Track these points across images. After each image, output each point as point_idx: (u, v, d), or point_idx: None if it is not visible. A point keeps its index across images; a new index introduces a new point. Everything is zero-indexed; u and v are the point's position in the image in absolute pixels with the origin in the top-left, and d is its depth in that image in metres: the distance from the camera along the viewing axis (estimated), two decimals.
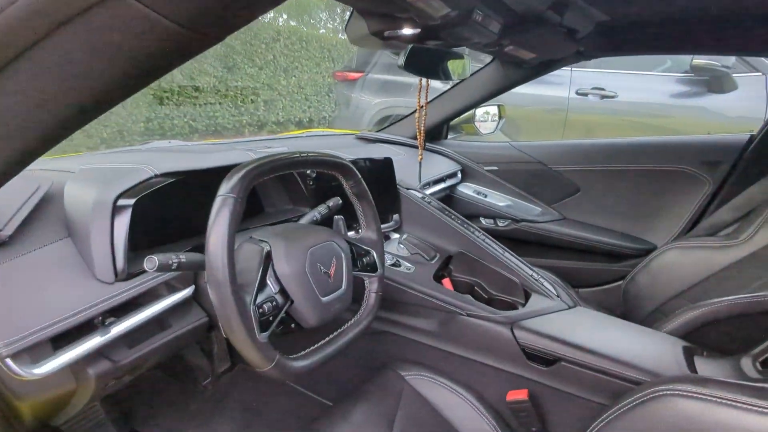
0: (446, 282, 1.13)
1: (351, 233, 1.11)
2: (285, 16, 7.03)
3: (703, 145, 1.48)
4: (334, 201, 0.91)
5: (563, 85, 3.21)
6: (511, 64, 1.49)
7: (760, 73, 2.67)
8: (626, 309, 1.48)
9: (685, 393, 0.60)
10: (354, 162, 1.12)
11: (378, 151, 1.65)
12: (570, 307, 1.05)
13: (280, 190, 1.09)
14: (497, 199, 1.81)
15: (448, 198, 1.81)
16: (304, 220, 0.88)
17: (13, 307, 0.62)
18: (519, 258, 1.18)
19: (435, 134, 1.86)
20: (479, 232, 1.21)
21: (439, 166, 1.74)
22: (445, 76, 1.24)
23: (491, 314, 1.00)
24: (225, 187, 0.61)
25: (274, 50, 6.33)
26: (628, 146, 1.63)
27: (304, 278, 0.71)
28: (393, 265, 1.12)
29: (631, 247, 1.57)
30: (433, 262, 1.15)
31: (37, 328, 0.61)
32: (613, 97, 3.05)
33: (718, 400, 0.57)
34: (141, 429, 1.15)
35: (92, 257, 0.69)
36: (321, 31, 7.94)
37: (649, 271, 1.39)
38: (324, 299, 0.74)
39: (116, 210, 0.69)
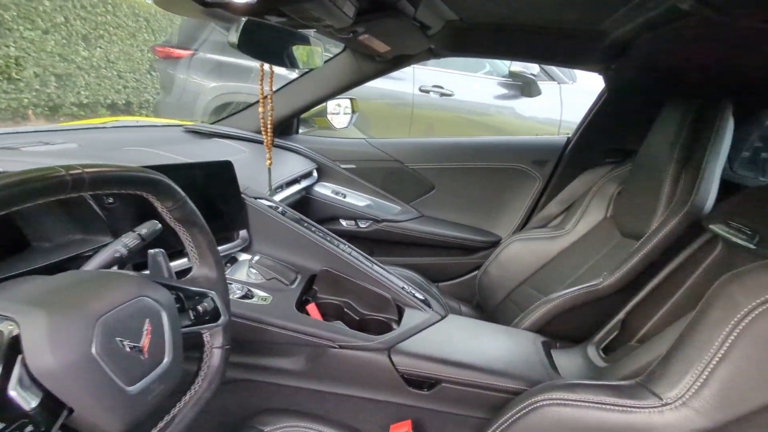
0: (312, 308, 0.95)
1: (179, 263, 0.84)
2: None
3: (532, 145, 1.65)
4: (149, 226, 0.64)
5: (407, 81, 3.33)
6: (365, 57, 1.37)
7: (555, 82, 3.24)
8: (481, 298, 1.57)
9: (559, 401, 0.65)
10: (173, 169, 0.84)
11: (214, 149, 1.35)
12: (443, 317, 1.01)
13: (57, 211, 0.73)
14: (357, 199, 1.71)
15: (305, 200, 1.62)
16: (93, 263, 0.58)
17: None
18: (387, 269, 1.08)
19: (285, 128, 1.64)
20: (344, 244, 1.07)
21: (291, 164, 1.53)
22: (290, 62, 1.04)
23: (366, 342, 0.87)
24: None
25: (65, 11, 4.90)
26: (474, 145, 1.72)
27: (91, 370, 0.44)
28: (243, 297, 0.88)
29: (481, 240, 1.67)
30: (294, 286, 0.95)
31: None
32: (450, 95, 3.30)
33: (587, 404, 0.63)
34: None
35: None
36: None
37: (498, 262, 1.49)
38: (133, 388, 0.48)
39: None
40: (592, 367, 0.90)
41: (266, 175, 1.26)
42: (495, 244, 1.61)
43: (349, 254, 1.04)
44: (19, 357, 0.41)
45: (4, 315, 0.42)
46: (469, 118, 3.40)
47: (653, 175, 1.06)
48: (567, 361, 0.92)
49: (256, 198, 1.02)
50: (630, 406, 0.60)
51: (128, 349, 0.48)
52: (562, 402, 0.64)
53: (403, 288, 1.05)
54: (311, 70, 1.48)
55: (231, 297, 0.87)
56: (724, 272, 0.61)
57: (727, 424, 0.54)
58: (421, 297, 1.07)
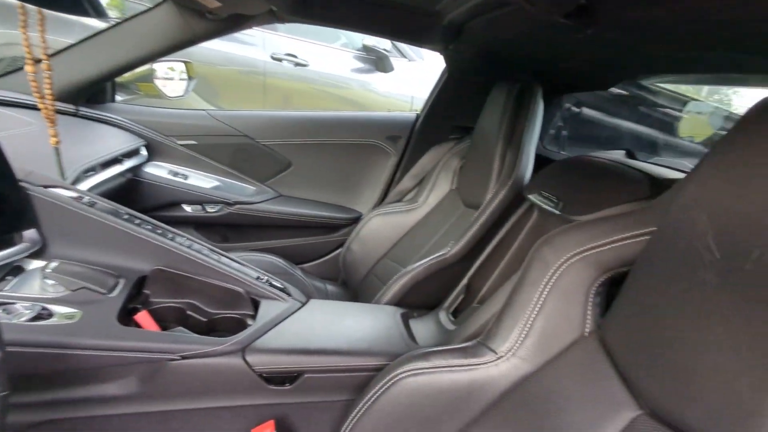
0: (143, 317, 0.79)
1: None
2: None
3: (386, 121, 1.67)
4: None
5: (256, 47, 3.05)
6: (193, 12, 1.16)
7: (406, 59, 3.37)
8: (346, 275, 1.57)
9: (415, 371, 0.67)
10: None
11: None
12: (303, 304, 0.96)
13: None
14: (202, 181, 1.50)
15: (132, 184, 1.35)
16: None
17: None
18: (238, 259, 0.97)
19: (95, 95, 1.31)
20: (181, 236, 0.91)
21: (107, 141, 1.24)
22: (83, 9, 0.80)
23: (214, 346, 0.77)
24: None
25: None
26: (329, 120, 1.66)
27: None
28: (36, 318, 0.68)
29: (343, 218, 1.66)
30: (114, 294, 0.77)
31: None
32: (305, 65, 3.15)
33: (439, 369, 0.67)
34: None
35: None
36: None
37: (360, 238, 1.50)
38: None
39: None
40: (443, 331, 0.98)
41: (72, 153, 0.99)
42: (356, 220, 1.62)
43: (188, 247, 0.89)
44: None
45: None
46: (327, 90, 3.31)
47: (486, 150, 1.17)
48: (423, 329, 0.98)
49: (46, 186, 0.78)
50: (474, 364, 0.66)
51: None
52: (418, 371, 0.67)
53: (257, 278, 0.95)
54: (121, 23, 1.20)
55: (13, 321, 0.66)
56: (541, 236, 0.70)
57: (544, 365, 0.63)
58: (279, 285, 0.99)
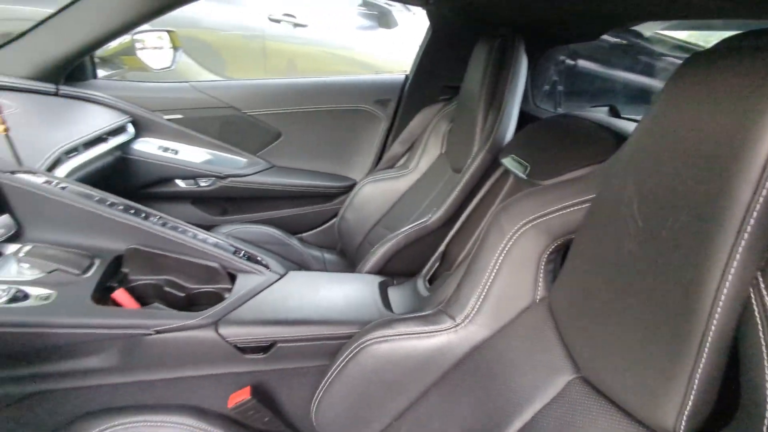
0: (120, 294, 0.82)
1: None
2: None
3: (374, 84, 1.60)
4: None
5: (248, 6, 2.93)
6: None
7: (412, 12, 3.19)
8: (342, 244, 1.58)
9: (379, 339, 0.70)
10: None
11: None
12: (281, 276, 0.97)
13: None
14: (192, 155, 1.50)
15: (121, 162, 1.37)
16: None
17: None
18: (217, 236, 0.98)
19: (75, 72, 1.30)
20: (154, 216, 0.92)
21: (91, 119, 1.24)
22: None
23: (188, 320, 0.79)
24: None
25: None
26: (315, 86, 1.60)
27: None
28: (12, 300, 0.71)
29: (336, 186, 1.64)
30: (89, 274, 0.80)
31: None
32: (305, 26, 3.03)
33: (401, 336, 0.69)
34: None
35: None
36: None
37: (353, 206, 1.49)
38: None
39: None
40: (419, 298, 0.98)
41: (48, 135, 1.00)
42: (351, 188, 1.60)
43: (162, 225, 0.90)
44: None
45: None
46: (328, 51, 3.19)
47: (470, 111, 1.11)
48: (400, 296, 0.98)
49: (14, 173, 0.80)
50: (433, 331, 0.67)
51: None
52: (383, 339, 0.69)
53: (235, 252, 0.96)
54: None
55: None
56: None
57: (498, 331, 0.63)
58: (259, 259, 1.00)
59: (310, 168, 1.65)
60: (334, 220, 1.63)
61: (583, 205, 0.56)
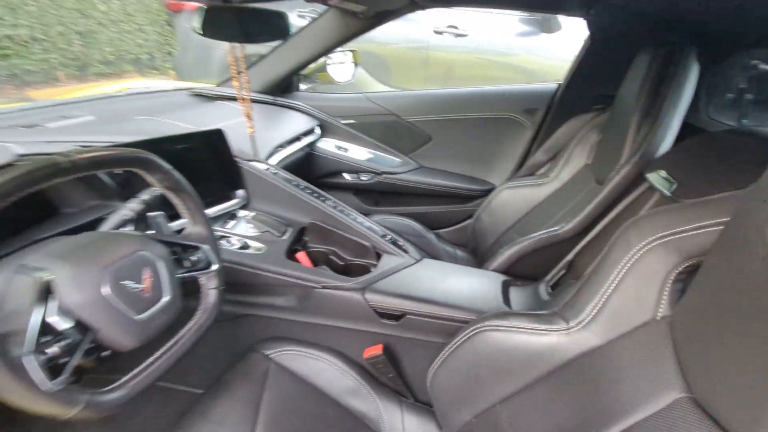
0: (301, 255, 1.12)
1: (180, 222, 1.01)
2: None
3: (523, 93, 1.64)
4: (151, 192, 0.80)
5: (419, 23, 3.22)
6: (349, 14, 1.41)
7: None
8: (474, 244, 1.68)
9: (493, 327, 0.77)
10: (170, 141, 0.98)
11: (216, 113, 1.48)
12: (417, 261, 1.14)
13: (78, 183, 0.91)
14: (358, 154, 1.81)
15: (309, 156, 1.75)
16: (108, 224, 0.75)
17: None
18: (371, 221, 1.21)
19: (285, 87, 1.73)
20: (330, 200, 1.20)
21: (293, 123, 1.64)
22: (257, 38, 1.10)
23: (344, 283, 1.03)
24: None
25: None
26: (467, 96, 1.73)
27: (106, 303, 0.62)
28: (241, 248, 1.06)
29: (476, 189, 1.74)
30: (284, 237, 1.11)
31: None
32: (465, 35, 3.18)
33: (515, 329, 0.75)
34: None
35: None
36: None
37: (490, 209, 1.58)
38: (140, 317, 0.66)
39: None
40: (539, 300, 1.02)
41: (269, 133, 1.39)
42: (489, 192, 1.68)
43: (334, 208, 1.17)
44: (54, 295, 0.59)
45: (40, 267, 0.60)
46: (488, 58, 3.27)
47: (622, 122, 1.07)
48: (520, 296, 1.04)
49: (249, 161, 1.16)
50: (544, 330, 0.72)
51: (132, 290, 0.66)
52: (496, 328, 0.77)
53: (383, 236, 1.18)
54: (302, 30, 1.54)
55: (230, 248, 1.05)
56: None
57: (610, 341, 0.65)
58: (401, 244, 1.20)
59: (453, 170, 1.79)
60: (470, 220, 1.74)
61: (718, 227, 0.55)
